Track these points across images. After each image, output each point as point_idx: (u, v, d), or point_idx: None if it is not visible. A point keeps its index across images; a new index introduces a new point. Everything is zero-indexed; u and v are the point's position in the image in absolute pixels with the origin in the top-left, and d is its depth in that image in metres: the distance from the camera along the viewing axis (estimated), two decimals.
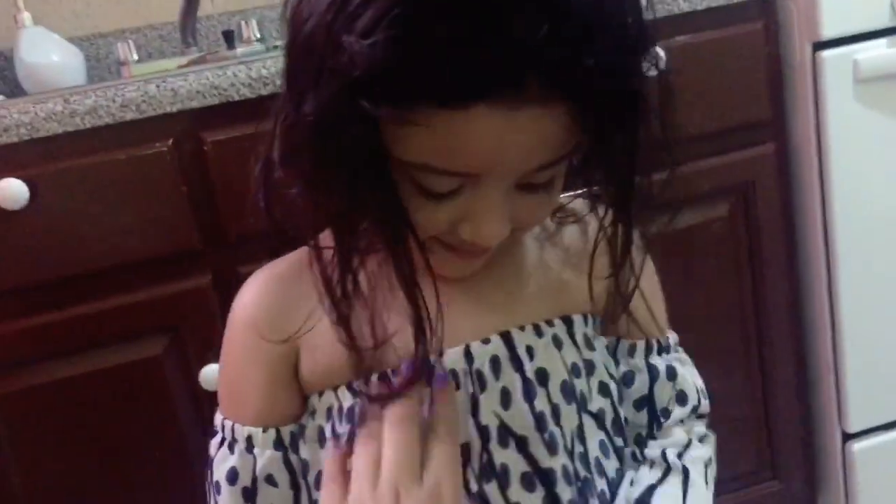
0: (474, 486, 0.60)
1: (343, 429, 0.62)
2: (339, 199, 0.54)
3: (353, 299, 0.58)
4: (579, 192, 0.66)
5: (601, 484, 0.65)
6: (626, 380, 0.68)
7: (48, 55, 1.29)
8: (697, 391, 0.69)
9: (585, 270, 0.64)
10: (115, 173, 0.90)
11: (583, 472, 0.64)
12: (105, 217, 0.91)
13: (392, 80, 0.46)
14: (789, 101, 1.10)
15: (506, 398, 0.62)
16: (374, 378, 0.61)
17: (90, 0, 1.41)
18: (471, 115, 0.47)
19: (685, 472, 0.66)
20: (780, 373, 1.18)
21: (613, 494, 0.66)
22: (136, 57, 1.34)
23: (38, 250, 0.90)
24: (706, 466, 0.68)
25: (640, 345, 0.68)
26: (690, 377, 0.70)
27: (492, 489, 0.61)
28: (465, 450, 0.60)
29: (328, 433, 0.63)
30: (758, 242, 1.12)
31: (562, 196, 0.62)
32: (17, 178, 0.87)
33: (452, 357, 0.62)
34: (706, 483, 0.67)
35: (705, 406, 0.70)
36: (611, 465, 0.66)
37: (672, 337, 0.71)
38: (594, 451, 0.65)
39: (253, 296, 0.65)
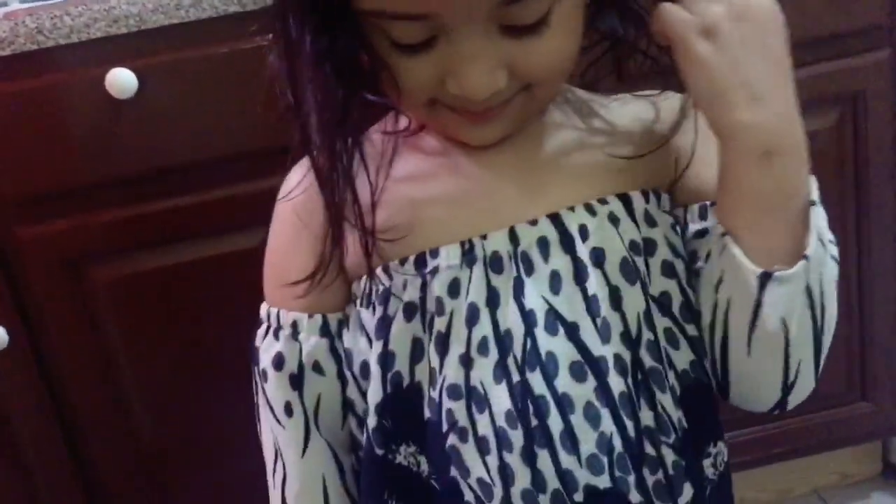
0: (516, 375, 0.57)
1: (379, 310, 0.61)
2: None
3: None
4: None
5: (671, 376, 0.60)
6: (699, 256, 0.61)
7: None
8: None
9: (643, 147, 0.61)
10: (219, 66, 0.92)
11: (650, 362, 0.59)
12: (209, 110, 0.93)
13: None
14: None
15: (555, 282, 0.58)
16: (411, 259, 0.60)
17: None
18: None
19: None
20: (878, 292, 1.14)
21: (683, 389, 0.61)
22: None
23: (144, 140, 0.93)
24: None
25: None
26: None
27: (536, 378, 0.57)
28: (508, 335, 0.58)
29: (368, 317, 0.62)
30: (865, 156, 1.07)
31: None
32: (127, 68, 0.89)
33: (496, 239, 0.59)
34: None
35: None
36: (681, 358, 0.61)
37: None
38: (665, 338, 0.60)
39: (299, 179, 0.65)
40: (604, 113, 0.65)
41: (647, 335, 0.59)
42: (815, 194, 0.55)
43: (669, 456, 0.59)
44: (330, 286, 0.64)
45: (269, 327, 0.66)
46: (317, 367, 0.64)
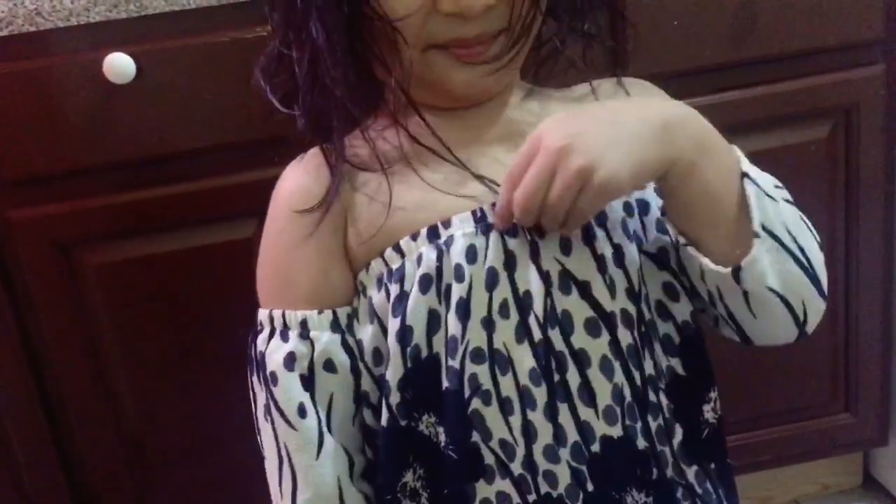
0: (538, 334, 0.60)
1: (394, 288, 0.62)
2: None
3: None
4: None
5: (664, 327, 0.64)
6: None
7: None
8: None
9: None
10: (220, 55, 0.92)
11: (647, 314, 0.63)
12: (206, 98, 0.92)
13: None
14: None
15: (566, 244, 0.61)
16: (423, 232, 0.62)
17: None
18: None
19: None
20: (865, 303, 1.15)
21: (684, 339, 0.65)
22: None
23: (141, 126, 0.93)
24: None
25: None
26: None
27: (556, 336, 0.60)
28: (528, 296, 0.60)
29: (380, 300, 0.63)
30: (856, 168, 1.08)
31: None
32: (125, 52, 0.89)
33: None
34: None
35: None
36: (680, 309, 0.65)
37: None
38: (655, 293, 0.64)
39: (296, 179, 0.67)
40: (565, 100, 0.71)
41: (643, 290, 0.63)
42: (744, 166, 0.59)
43: (665, 400, 0.64)
44: (336, 279, 0.65)
45: (272, 331, 0.65)
46: (328, 366, 0.64)
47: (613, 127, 0.56)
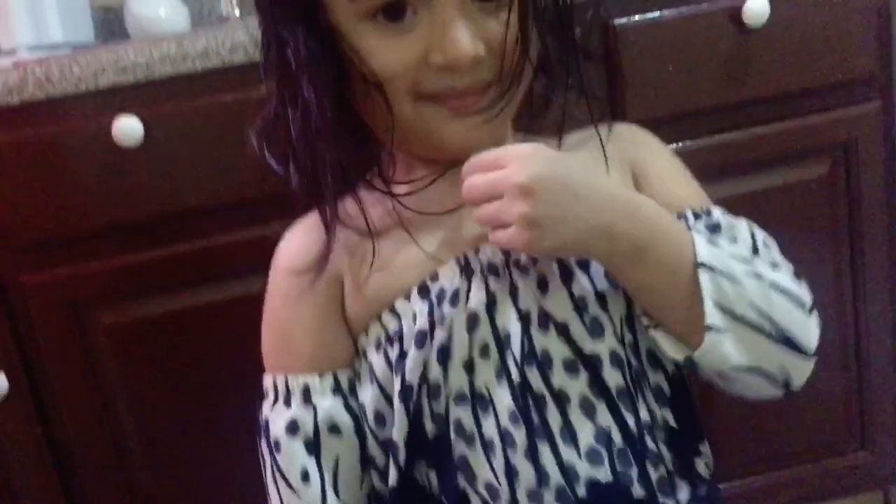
0: (516, 373, 0.60)
1: (394, 350, 0.63)
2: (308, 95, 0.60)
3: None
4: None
5: (654, 377, 0.64)
6: None
7: (156, 9, 1.34)
8: (752, 236, 0.65)
9: (602, 166, 0.66)
10: (224, 115, 0.93)
11: (634, 362, 0.63)
12: (212, 157, 0.94)
13: None
14: None
15: (543, 284, 0.62)
16: (414, 290, 0.63)
17: None
18: None
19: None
20: (875, 340, 1.14)
21: (674, 389, 0.64)
22: (237, 12, 1.38)
23: (149, 187, 0.94)
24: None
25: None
26: (745, 224, 0.65)
27: (534, 375, 0.60)
28: (507, 336, 0.61)
29: (379, 363, 0.64)
30: (857, 203, 1.09)
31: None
32: (134, 116, 0.91)
33: (488, 251, 0.63)
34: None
35: (769, 255, 0.64)
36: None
37: (716, 209, 0.67)
38: (645, 341, 0.64)
39: (295, 241, 0.69)
40: (558, 146, 0.70)
41: (627, 337, 0.63)
42: (700, 254, 0.58)
43: (665, 452, 0.63)
44: (336, 342, 0.66)
45: (276, 397, 0.66)
46: (334, 429, 0.65)
47: (577, 194, 0.56)
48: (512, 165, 0.56)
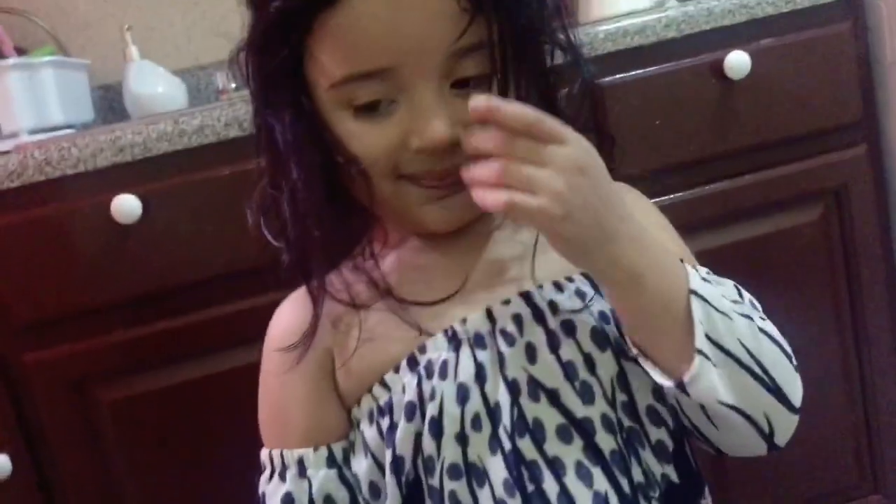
0: (507, 444, 0.60)
1: (385, 422, 0.63)
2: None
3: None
4: None
5: (657, 433, 0.63)
6: None
7: (154, 86, 1.37)
8: (740, 293, 0.63)
9: None
10: (221, 188, 0.95)
11: (627, 422, 0.62)
12: (211, 230, 0.96)
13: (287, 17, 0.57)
14: (881, 101, 1.08)
15: (531, 352, 0.62)
16: (403, 363, 0.63)
17: (191, 35, 1.50)
18: (352, 3, 0.55)
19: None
20: (880, 381, 1.14)
21: (676, 443, 0.63)
22: (234, 85, 1.41)
23: (149, 262, 0.96)
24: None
25: None
26: (732, 283, 0.64)
27: (526, 444, 0.60)
28: (497, 407, 0.61)
29: (372, 434, 0.64)
30: (852, 245, 1.10)
31: None
32: (132, 194, 0.93)
33: (476, 320, 0.62)
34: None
35: (757, 312, 0.63)
36: (670, 412, 0.64)
37: (703, 269, 0.65)
38: (644, 398, 0.63)
39: (284, 316, 0.70)
40: None
41: (620, 397, 0.62)
42: (693, 283, 0.57)
43: None
44: (330, 414, 0.66)
45: (272, 471, 0.67)
46: (328, 500, 0.65)
47: (609, 201, 0.55)
48: (573, 145, 0.54)
